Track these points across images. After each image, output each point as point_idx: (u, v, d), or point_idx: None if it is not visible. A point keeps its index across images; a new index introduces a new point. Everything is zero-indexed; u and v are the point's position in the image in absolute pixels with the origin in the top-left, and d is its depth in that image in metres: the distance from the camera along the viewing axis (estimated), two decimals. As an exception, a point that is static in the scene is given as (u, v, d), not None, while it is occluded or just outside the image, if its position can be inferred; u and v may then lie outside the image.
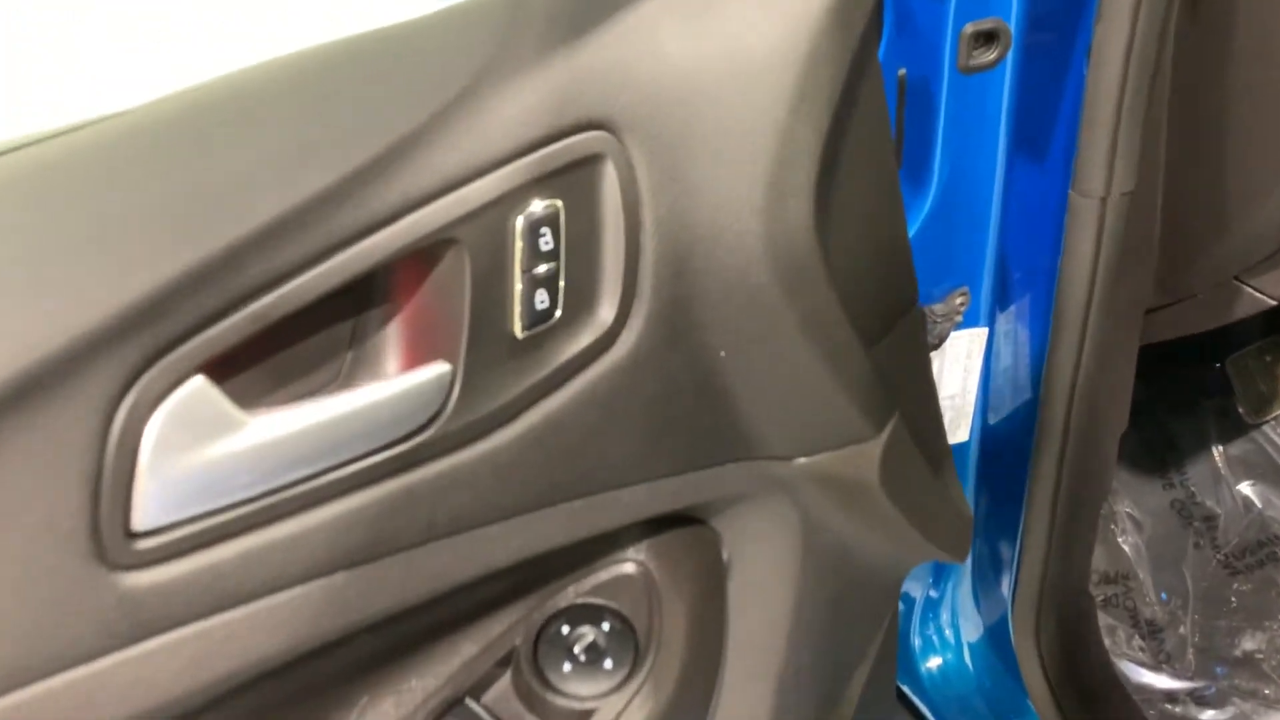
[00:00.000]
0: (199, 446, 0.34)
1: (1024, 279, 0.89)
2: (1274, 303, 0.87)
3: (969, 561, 1.04)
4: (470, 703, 0.45)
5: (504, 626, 0.48)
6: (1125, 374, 0.92)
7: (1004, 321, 0.93)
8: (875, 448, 0.51)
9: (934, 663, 1.11)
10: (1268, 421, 1.40)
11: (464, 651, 0.47)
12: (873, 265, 0.53)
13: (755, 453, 0.50)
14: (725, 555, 0.55)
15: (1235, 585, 1.33)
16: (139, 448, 0.34)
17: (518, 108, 0.41)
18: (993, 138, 0.80)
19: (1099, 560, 1.30)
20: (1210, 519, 1.39)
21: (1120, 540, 1.35)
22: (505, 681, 0.48)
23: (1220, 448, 1.43)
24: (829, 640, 0.60)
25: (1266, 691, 1.21)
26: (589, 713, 0.46)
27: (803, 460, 0.52)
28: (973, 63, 0.77)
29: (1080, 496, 0.97)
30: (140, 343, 0.33)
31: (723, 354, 0.46)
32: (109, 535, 0.34)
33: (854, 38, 0.48)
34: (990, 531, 1.02)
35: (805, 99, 0.46)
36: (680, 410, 0.46)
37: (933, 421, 0.62)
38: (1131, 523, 1.37)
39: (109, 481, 0.33)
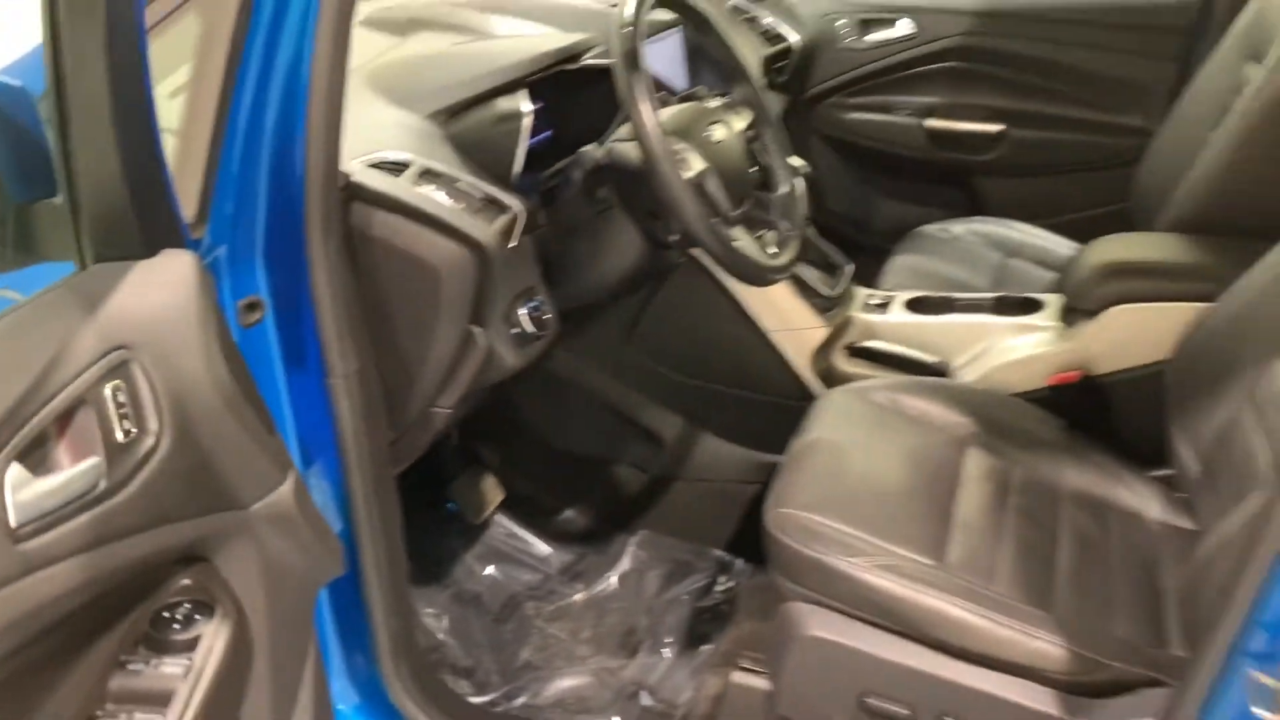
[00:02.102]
0: (17, 491, 0.73)
1: (316, 443, 1.43)
2: (449, 411, 1.54)
3: (335, 642, 1.49)
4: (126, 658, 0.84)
5: (132, 621, 0.86)
6: (393, 487, 1.50)
7: (312, 476, 1.46)
8: (288, 487, 1.01)
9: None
10: (487, 519, 2.12)
11: (111, 643, 0.84)
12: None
13: (234, 505, 0.97)
14: (223, 575, 0.99)
15: (500, 629, 1.98)
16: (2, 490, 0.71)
17: (85, 346, 0.85)
18: (275, 359, 1.34)
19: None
20: (477, 595, 2.04)
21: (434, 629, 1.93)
22: (144, 648, 0.86)
23: (461, 551, 2.11)
24: (289, 615, 1.06)
25: (544, 674, 1.87)
26: (197, 639, 0.87)
27: (255, 507, 0.99)
28: (248, 321, 1.31)
29: (396, 576, 1.51)
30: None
31: (205, 445, 0.93)
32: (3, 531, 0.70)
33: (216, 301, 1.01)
34: (343, 615, 1.50)
35: (208, 334, 0.96)
36: (201, 476, 0.91)
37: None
38: (437, 618, 1.96)
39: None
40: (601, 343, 2.05)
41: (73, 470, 0.80)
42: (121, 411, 0.85)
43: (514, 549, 2.14)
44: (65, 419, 0.82)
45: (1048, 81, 2.56)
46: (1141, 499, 1.63)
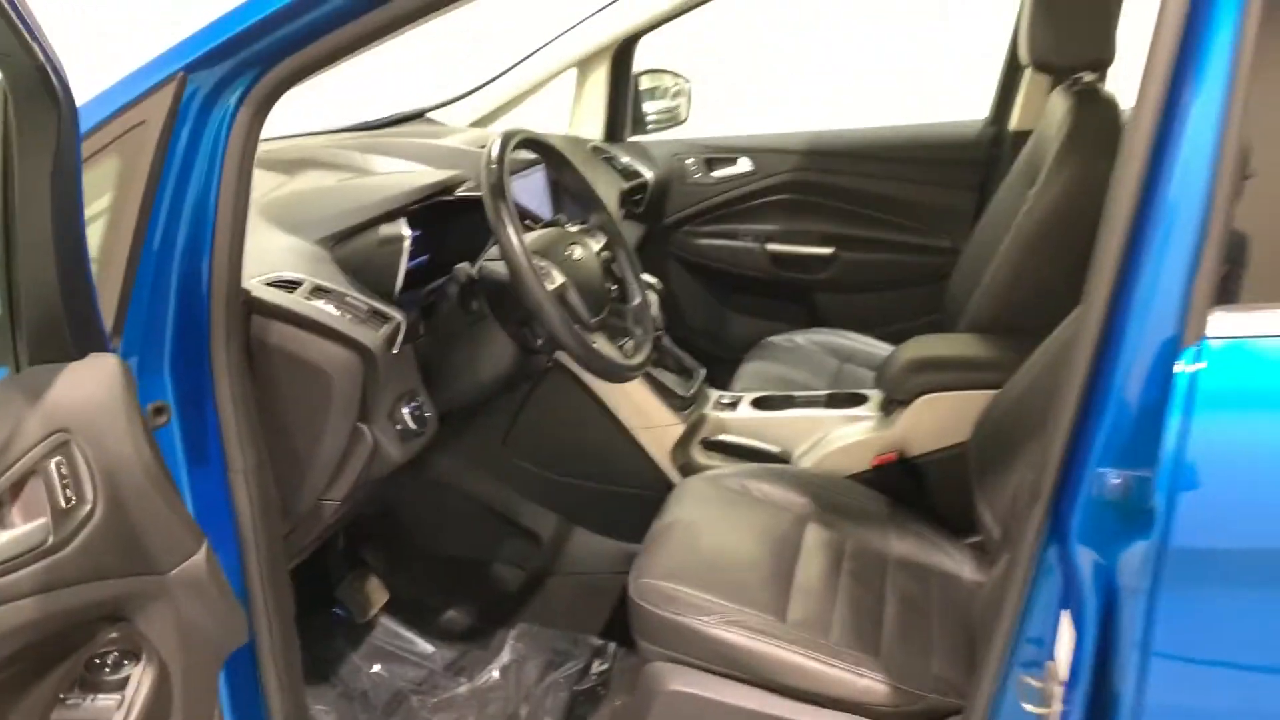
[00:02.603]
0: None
1: (216, 536, 1.55)
2: (338, 503, 1.68)
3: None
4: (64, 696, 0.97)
5: (68, 667, 0.99)
6: (286, 576, 1.63)
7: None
8: (202, 554, 1.16)
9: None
10: (372, 619, 2.24)
11: (51, 683, 0.97)
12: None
13: (155, 569, 1.11)
14: (145, 633, 1.13)
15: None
16: None
17: (32, 428, 1.00)
18: (179, 458, 1.48)
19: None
20: (364, 692, 2.14)
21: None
22: (80, 688, 0.99)
23: (348, 651, 2.21)
24: (199, 674, 1.19)
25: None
26: (126, 679, 1.00)
27: (173, 572, 1.14)
28: (155, 424, 1.46)
29: (291, 658, 1.63)
30: None
31: (132, 513, 1.08)
32: None
33: (137, 394, 1.17)
34: (240, 695, 1.60)
35: (133, 421, 1.11)
36: (129, 540, 1.05)
37: None
38: (326, 714, 2.05)
39: None
40: (479, 447, 2.23)
41: (26, 528, 0.94)
42: (64, 482, 1.00)
43: (398, 648, 2.25)
44: (18, 487, 0.96)
45: (870, 209, 2.92)
46: (957, 562, 1.88)
